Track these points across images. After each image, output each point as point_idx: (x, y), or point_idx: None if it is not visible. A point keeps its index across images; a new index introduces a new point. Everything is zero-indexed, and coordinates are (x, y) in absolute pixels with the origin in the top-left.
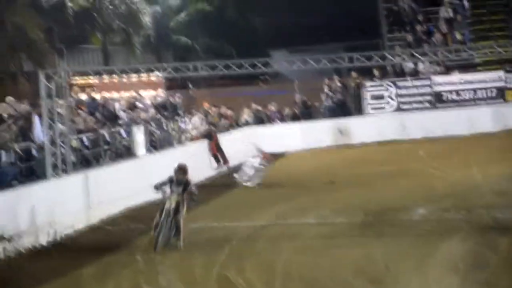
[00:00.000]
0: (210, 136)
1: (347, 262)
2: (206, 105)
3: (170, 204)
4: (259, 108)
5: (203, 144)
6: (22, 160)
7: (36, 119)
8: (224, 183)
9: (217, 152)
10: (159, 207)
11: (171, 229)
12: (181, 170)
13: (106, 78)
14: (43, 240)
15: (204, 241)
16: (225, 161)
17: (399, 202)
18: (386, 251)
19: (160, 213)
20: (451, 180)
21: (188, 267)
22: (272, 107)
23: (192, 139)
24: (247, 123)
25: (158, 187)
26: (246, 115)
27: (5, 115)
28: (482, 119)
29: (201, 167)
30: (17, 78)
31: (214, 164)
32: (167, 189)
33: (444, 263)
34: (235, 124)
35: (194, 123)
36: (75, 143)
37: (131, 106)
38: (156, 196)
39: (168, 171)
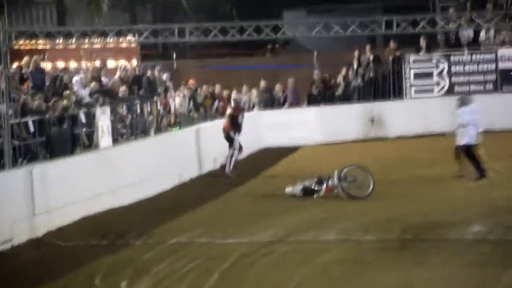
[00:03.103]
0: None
1: None
2: (191, 82)
3: None
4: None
5: (191, 134)
6: None
7: None
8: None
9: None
10: None
11: None
12: None
13: (61, 43)
14: None
15: (187, 263)
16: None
17: (448, 216)
18: (429, 280)
19: None
20: None
21: None
22: (282, 86)
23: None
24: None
25: None
26: (254, 96)
27: None
28: None
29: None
30: None
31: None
32: None
33: None
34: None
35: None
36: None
37: (95, 81)
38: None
39: (139, 168)
